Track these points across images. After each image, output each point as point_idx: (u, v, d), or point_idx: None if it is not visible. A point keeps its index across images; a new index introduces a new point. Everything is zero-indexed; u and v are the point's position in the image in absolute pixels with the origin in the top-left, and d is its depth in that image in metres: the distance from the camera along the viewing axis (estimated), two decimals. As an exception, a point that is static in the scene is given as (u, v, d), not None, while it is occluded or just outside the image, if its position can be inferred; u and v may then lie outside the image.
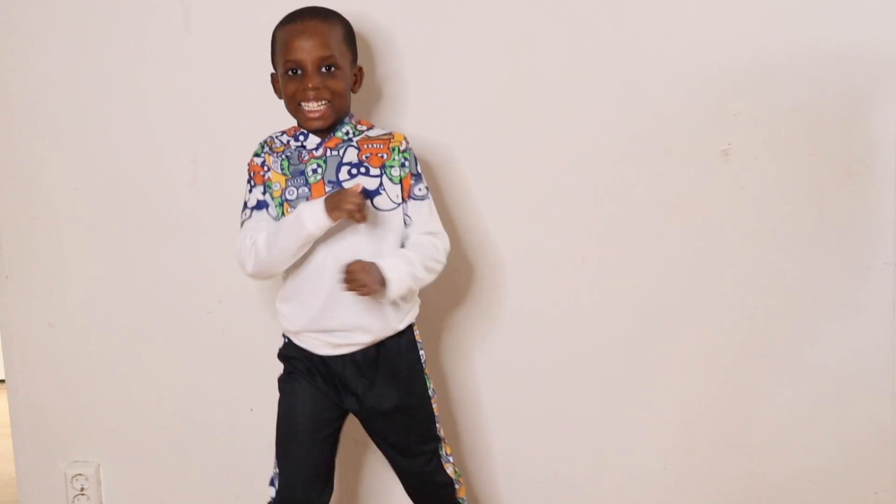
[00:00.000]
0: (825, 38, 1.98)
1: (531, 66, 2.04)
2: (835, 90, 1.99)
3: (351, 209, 1.70)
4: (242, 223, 1.82)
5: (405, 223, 1.84)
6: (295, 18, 1.81)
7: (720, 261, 2.07)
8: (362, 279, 1.72)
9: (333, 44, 1.79)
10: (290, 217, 1.76)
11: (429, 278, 1.83)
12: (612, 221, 2.07)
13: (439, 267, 1.85)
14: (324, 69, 1.78)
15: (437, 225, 1.87)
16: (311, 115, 1.79)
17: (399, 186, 1.83)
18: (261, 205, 1.81)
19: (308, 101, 1.78)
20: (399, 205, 1.83)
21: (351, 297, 1.75)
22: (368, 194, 1.79)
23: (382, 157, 1.82)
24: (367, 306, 1.79)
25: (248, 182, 1.84)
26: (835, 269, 2.05)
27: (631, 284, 2.09)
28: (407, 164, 1.84)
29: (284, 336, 1.88)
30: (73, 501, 2.25)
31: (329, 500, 1.86)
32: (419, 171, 1.86)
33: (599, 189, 2.07)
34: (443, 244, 1.86)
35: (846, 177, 2.02)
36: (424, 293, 2.12)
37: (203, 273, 2.13)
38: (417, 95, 2.06)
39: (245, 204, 1.83)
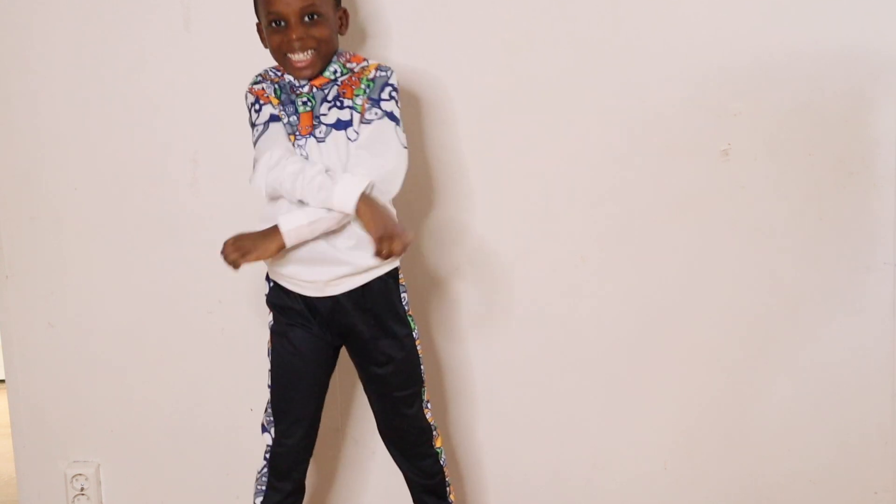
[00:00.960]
0: (825, 38, 1.98)
1: (531, 65, 2.04)
2: (835, 90, 1.99)
3: (397, 250, 1.68)
4: (257, 140, 1.81)
5: (352, 139, 1.82)
6: None
7: (720, 261, 2.07)
8: (232, 251, 1.73)
9: None
10: (332, 189, 1.72)
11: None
12: (612, 221, 2.07)
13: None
14: (307, 18, 1.77)
15: (381, 147, 1.80)
16: (299, 64, 1.79)
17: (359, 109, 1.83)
18: (274, 118, 1.82)
19: (294, 51, 1.78)
20: None
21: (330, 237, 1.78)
22: (341, 125, 1.81)
23: (353, 87, 1.83)
24: (347, 247, 1.79)
25: (255, 104, 1.84)
26: (835, 269, 2.05)
27: (631, 284, 2.09)
28: (369, 90, 1.82)
29: (269, 279, 1.88)
30: (73, 501, 2.25)
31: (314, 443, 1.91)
32: (381, 96, 1.82)
33: (599, 189, 2.07)
34: (377, 162, 1.79)
35: (846, 177, 2.02)
36: (425, 293, 2.12)
37: (203, 273, 2.12)
38: (417, 95, 2.06)
39: (254, 123, 1.83)
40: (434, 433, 1.95)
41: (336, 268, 1.80)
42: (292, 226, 1.74)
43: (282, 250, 1.76)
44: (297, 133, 1.81)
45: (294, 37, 1.77)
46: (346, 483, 2.21)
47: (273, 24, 1.79)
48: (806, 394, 2.09)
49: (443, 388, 2.16)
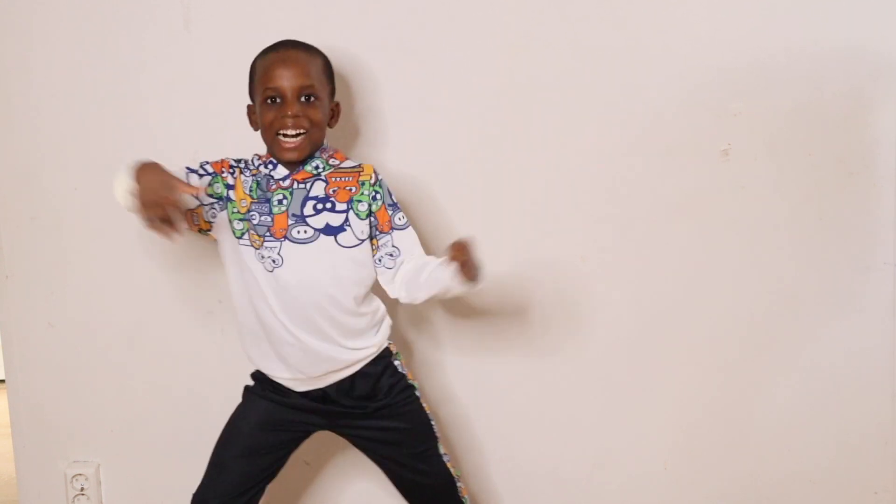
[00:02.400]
0: (825, 38, 1.98)
1: (531, 66, 2.04)
2: (835, 90, 1.99)
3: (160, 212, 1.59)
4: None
5: (393, 255, 1.85)
6: (276, 48, 1.81)
7: (720, 261, 2.07)
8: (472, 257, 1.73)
9: (314, 74, 1.80)
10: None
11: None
12: (612, 221, 2.07)
13: None
14: (303, 98, 1.78)
15: (423, 253, 1.89)
16: (287, 145, 1.78)
17: (367, 222, 1.83)
18: (194, 172, 1.81)
19: (286, 128, 1.77)
20: (362, 241, 1.82)
21: (312, 342, 1.79)
22: (332, 231, 1.79)
23: (350, 190, 1.82)
24: (328, 352, 1.80)
25: (202, 165, 1.83)
26: (835, 269, 2.05)
27: (631, 284, 2.09)
28: (379, 196, 1.84)
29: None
30: (73, 501, 2.25)
31: None
32: (394, 201, 1.86)
33: (599, 189, 2.07)
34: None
35: (846, 177, 2.02)
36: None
37: (203, 273, 2.12)
38: (418, 95, 2.06)
39: (196, 168, 1.82)
40: (458, 484, 1.92)
41: (321, 365, 1.83)
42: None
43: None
44: (269, 235, 1.77)
45: (290, 113, 1.76)
46: (347, 483, 2.21)
47: (269, 101, 1.78)
48: (806, 394, 2.09)
49: (442, 387, 2.16)
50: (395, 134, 2.07)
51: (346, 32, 2.03)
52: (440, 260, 1.79)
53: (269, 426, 1.86)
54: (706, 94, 2.01)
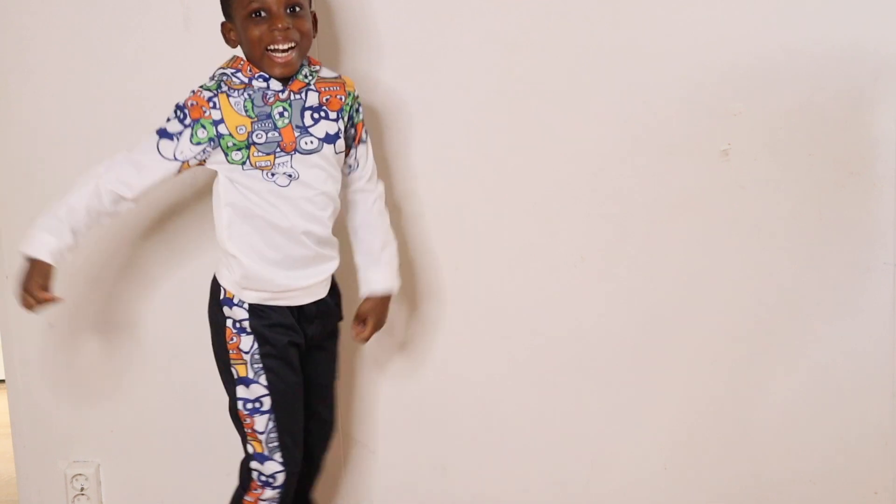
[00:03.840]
0: (825, 38, 1.98)
1: (531, 65, 2.04)
2: (835, 90, 1.99)
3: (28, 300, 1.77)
4: (142, 150, 1.77)
5: (352, 166, 1.86)
6: None
7: (720, 261, 2.07)
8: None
9: None
10: (36, 227, 1.79)
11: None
12: (612, 221, 2.07)
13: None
14: (289, 10, 1.72)
15: (374, 167, 1.91)
16: (279, 60, 1.72)
17: (353, 131, 1.85)
18: (167, 137, 1.75)
19: (277, 42, 1.71)
20: (348, 148, 1.84)
21: (316, 246, 1.79)
22: (331, 139, 1.79)
23: (340, 99, 1.81)
24: (326, 260, 1.83)
25: (178, 112, 1.75)
26: (835, 269, 2.05)
27: (631, 284, 2.09)
28: (360, 109, 1.85)
29: (236, 304, 1.80)
30: (73, 501, 2.25)
31: None
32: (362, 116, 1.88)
33: (599, 189, 2.07)
34: (383, 196, 1.92)
35: (846, 177, 2.02)
36: (424, 292, 2.12)
37: (203, 273, 2.12)
38: (417, 94, 2.06)
39: (171, 137, 1.75)
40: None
41: (327, 264, 1.83)
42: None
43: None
44: (279, 150, 1.75)
45: (280, 26, 1.70)
46: (346, 483, 2.21)
47: (253, 15, 1.72)
48: (806, 394, 2.09)
49: (441, 387, 2.15)
50: (394, 134, 2.07)
51: (345, 32, 2.03)
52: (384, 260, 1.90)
53: (301, 383, 1.85)
54: (706, 94, 2.01)
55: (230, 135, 1.74)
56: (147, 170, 1.78)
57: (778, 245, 2.05)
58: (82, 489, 2.23)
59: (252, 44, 1.73)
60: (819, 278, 2.05)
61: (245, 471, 1.86)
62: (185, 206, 2.12)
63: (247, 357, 1.80)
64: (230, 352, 1.81)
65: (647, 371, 2.12)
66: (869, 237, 2.03)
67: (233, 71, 1.77)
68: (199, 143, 1.75)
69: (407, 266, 2.11)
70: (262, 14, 1.72)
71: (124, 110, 2.11)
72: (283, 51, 1.72)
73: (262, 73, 1.75)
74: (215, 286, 1.84)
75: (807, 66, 1.98)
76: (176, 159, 1.77)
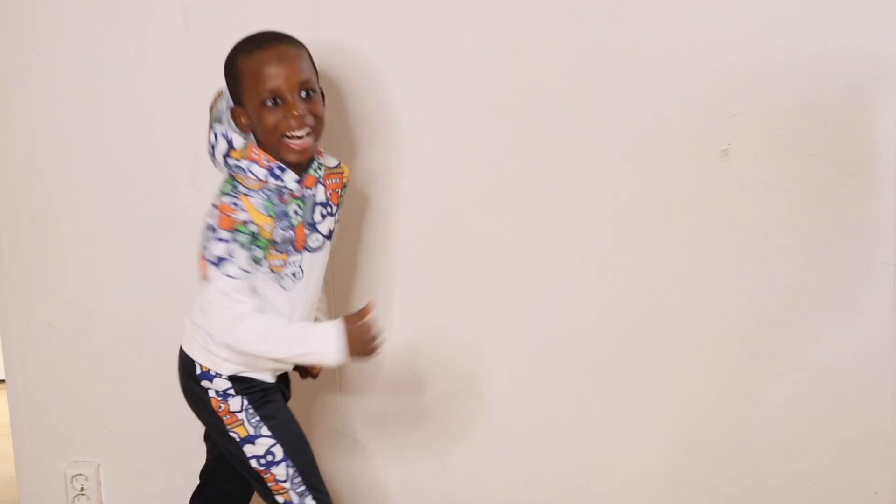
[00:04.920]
0: (825, 38, 1.97)
1: (531, 65, 2.04)
2: (835, 90, 1.99)
3: (372, 351, 1.71)
4: (224, 282, 1.67)
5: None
6: (261, 45, 1.70)
7: (720, 261, 2.07)
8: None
9: (307, 67, 1.71)
10: (305, 337, 1.70)
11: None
12: (612, 221, 2.07)
13: None
14: (303, 94, 1.68)
15: None
16: (296, 146, 1.68)
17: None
18: (245, 268, 1.67)
19: (293, 129, 1.67)
20: None
21: None
22: (331, 235, 1.78)
23: (339, 192, 1.80)
24: None
25: (235, 232, 1.66)
26: (835, 269, 2.05)
27: (631, 284, 2.09)
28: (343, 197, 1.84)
29: (212, 376, 1.76)
30: (73, 501, 2.25)
31: None
32: None
33: (599, 189, 2.07)
34: None
35: (846, 177, 2.02)
36: (423, 292, 2.13)
37: (203, 273, 2.12)
38: (417, 94, 2.06)
39: (226, 258, 1.66)
40: None
41: None
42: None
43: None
44: (291, 249, 1.71)
45: (295, 113, 1.66)
46: (347, 483, 2.21)
47: (268, 103, 1.67)
48: (806, 394, 2.09)
49: (441, 387, 2.15)
50: (394, 134, 2.07)
51: (345, 32, 2.03)
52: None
53: (280, 395, 1.85)
54: (706, 94, 2.01)
55: (260, 232, 1.67)
56: (244, 292, 1.69)
57: (778, 245, 2.05)
58: (82, 489, 2.24)
59: (267, 132, 1.69)
60: (819, 278, 2.05)
61: None
62: (187, 206, 2.12)
63: (242, 416, 1.76)
64: (223, 419, 1.77)
65: (647, 371, 2.12)
66: (869, 237, 2.03)
67: (247, 164, 1.69)
68: (247, 248, 1.68)
69: (406, 266, 2.11)
70: (277, 101, 1.68)
71: (124, 110, 2.11)
72: (300, 137, 1.69)
73: (274, 168, 1.69)
74: (187, 362, 1.79)
75: (807, 66, 1.98)
76: (247, 271, 1.69)
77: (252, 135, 1.74)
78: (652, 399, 2.13)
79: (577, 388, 2.13)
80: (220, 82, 2.07)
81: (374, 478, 2.21)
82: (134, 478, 2.23)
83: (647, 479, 2.15)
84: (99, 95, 2.11)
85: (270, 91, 1.67)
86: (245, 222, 1.67)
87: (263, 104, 1.68)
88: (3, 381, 2.68)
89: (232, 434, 1.77)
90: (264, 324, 1.69)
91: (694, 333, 2.10)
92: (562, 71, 2.03)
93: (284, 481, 1.76)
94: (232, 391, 1.76)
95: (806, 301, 2.07)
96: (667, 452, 2.14)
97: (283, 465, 1.76)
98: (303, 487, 1.77)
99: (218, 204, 1.69)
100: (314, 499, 1.77)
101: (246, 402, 1.77)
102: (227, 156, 1.71)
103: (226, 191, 1.69)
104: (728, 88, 2.00)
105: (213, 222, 1.68)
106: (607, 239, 2.08)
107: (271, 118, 1.68)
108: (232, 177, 1.71)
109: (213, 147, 1.73)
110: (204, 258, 1.69)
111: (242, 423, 1.76)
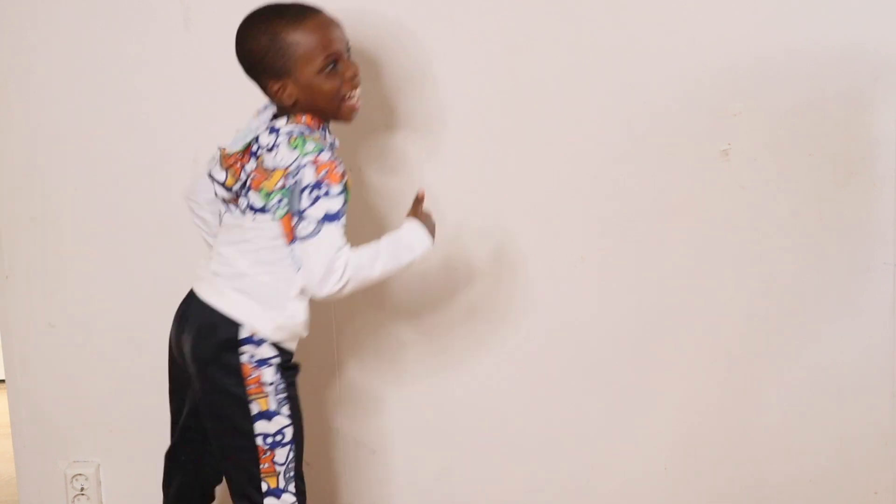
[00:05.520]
0: (825, 38, 1.98)
1: (531, 65, 2.04)
2: (835, 90, 1.99)
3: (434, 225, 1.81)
4: (332, 228, 1.67)
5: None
6: (304, 14, 1.71)
7: (720, 261, 2.07)
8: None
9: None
10: (400, 242, 1.75)
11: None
12: (612, 221, 2.07)
13: None
14: (347, 52, 1.73)
15: None
16: (356, 106, 1.73)
17: None
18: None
19: (352, 89, 1.71)
20: None
21: None
22: None
23: None
24: None
25: (344, 185, 1.67)
26: (835, 269, 2.05)
27: (631, 284, 2.09)
28: None
29: (276, 344, 1.75)
30: (73, 501, 2.25)
31: None
32: None
33: (599, 189, 2.07)
34: None
35: (846, 177, 2.02)
36: (422, 292, 2.13)
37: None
38: (416, 94, 2.06)
39: (340, 213, 1.67)
40: None
41: None
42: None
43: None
44: None
45: (352, 73, 1.71)
46: (347, 483, 2.21)
47: (327, 69, 1.69)
48: (806, 394, 2.09)
49: (442, 387, 2.15)
50: (393, 134, 2.07)
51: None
52: None
53: None
54: (706, 94, 2.01)
55: (348, 183, 1.70)
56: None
57: (778, 245, 2.05)
58: (82, 489, 2.24)
59: (329, 97, 1.71)
60: (819, 278, 2.05)
61: None
62: (186, 206, 2.12)
63: (269, 389, 1.73)
64: (248, 388, 1.73)
65: (647, 371, 2.12)
66: (869, 237, 2.03)
67: (309, 130, 1.72)
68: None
69: (406, 267, 2.10)
70: (336, 65, 1.70)
71: (125, 110, 2.11)
72: (355, 97, 1.73)
73: (324, 126, 1.74)
74: (222, 326, 1.74)
75: (807, 66, 1.98)
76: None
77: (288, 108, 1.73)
78: (652, 399, 2.13)
79: (577, 388, 2.13)
80: (221, 82, 2.08)
81: (374, 478, 2.21)
82: (134, 478, 2.23)
83: (647, 479, 2.15)
84: (99, 95, 2.11)
85: (331, 55, 1.69)
86: (344, 173, 1.68)
87: (321, 71, 1.69)
88: (3, 381, 2.68)
89: (251, 405, 1.73)
90: (367, 252, 1.71)
91: (694, 333, 2.10)
92: (562, 71, 2.03)
93: (281, 464, 1.75)
94: (274, 360, 1.74)
95: (806, 301, 2.07)
96: (667, 452, 2.14)
97: (287, 448, 1.75)
98: (291, 473, 1.76)
99: (323, 160, 1.66)
100: (295, 486, 1.77)
101: (279, 377, 1.74)
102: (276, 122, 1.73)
103: (309, 150, 1.67)
104: (728, 88, 2.00)
105: (319, 178, 1.66)
106: (607, 239, 2.08)
107: (332, 83, 1.70)
108: (299, 138, 1.69)
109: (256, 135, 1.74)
110: (299, 218, 1.67)
111: (267, 397, 1.73)
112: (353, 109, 1.73)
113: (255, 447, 1.75)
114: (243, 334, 1.73)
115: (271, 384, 1.74)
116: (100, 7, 2.09)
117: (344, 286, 1.68)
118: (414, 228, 1.77)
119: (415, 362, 2.15)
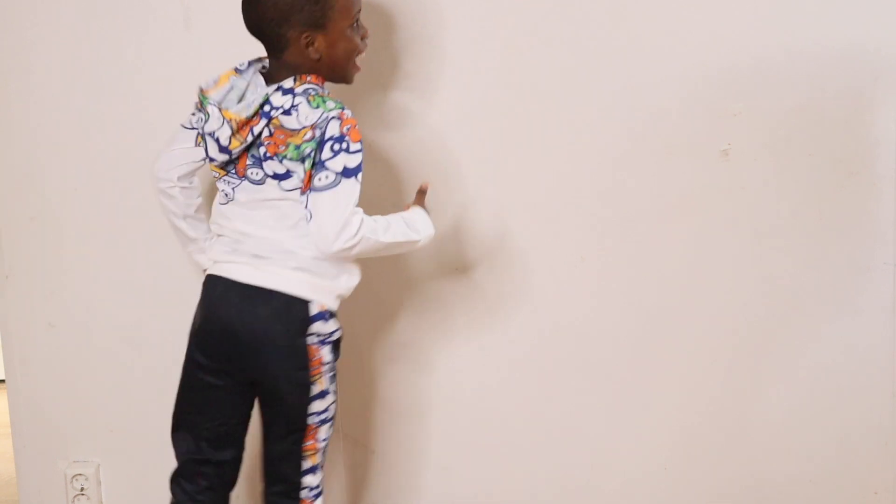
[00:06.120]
0: (825, 38, 1.98)
1: (531, 65, 2.04)
2: (835, 90, 1.99)
3: None
4: (350, 193, 1.66)
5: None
6: None
7: (720, 261, 2.07)
8: None
9: None
10: (408, 221, 1.77)
11: None
12: (612, 221, 2.07)
13: None
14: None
15: None
16: (360, 66, 1.76)
17: None
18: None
19: (362, 50, 1.75)
20: None
21: None
22: None
23: None
24: None
25: (361, 147, 1.67)
26: (835, 269, 2.05)
27: (631, 284, 2.09)
28: None
29: (328, 312, 1.73)
30: (73, 501, 2.25)
31: None
32: None
33: (599, 189, 2.07)
34: None
35: (846, 177, 2.02)
36: (422, 293, 2.12)
37: (204, 273, 2.12)
38: (417, 95, 2.06)
39: (357, 169, 1.66)
40: None
41: None
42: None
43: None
44: None
45: (365, 33, 1.75)
46: (347, 483, 2.21)
47: (355, 25, 1.72)
48: (806, 394, 2.09)
49: (442, 387, 2.15)
50: (393, 133, 2.07)
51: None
52: None
53: None
54: (706, 94, 2.01)
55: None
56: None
57: (778, 245, 2.05)
58: (82, 489, 2.24)
59: (348, 53, 1.72)
60: (819, 278, 2.05)
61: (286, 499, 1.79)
62: (185, 206, 2.12)
63: (325, 368, 1.74)
64: (311, 369, 1.73)
65: (647, 371, 2.12)
66: (869, 237, 2.03)
67: (321, 88, 1.72)
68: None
69: (406, 267, 2.11)
70: (358, 24, 1.73)
71: (124, 110, 2.11)
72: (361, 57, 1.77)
73: (323, 85, 1.73)
74: (290, 308, 1.71)
75: (807, 66, 1.98)
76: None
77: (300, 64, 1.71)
78: (652, 399, 2.13)
79: (577, 387, 2.13)
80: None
81: (374, 478, 2.21)
82: (134, 478, 2.23)
83: (647, 479, 2.15)
84: (99, 95, 2.11)
85: (357, 13, 1.72)
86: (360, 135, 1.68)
87: (352, 26, 1.71)
88: (3, 381, 2.68)
89: (313, 386, 1.73)
90: (379, 219, 1.72)
91: (694, 333, 2.10)
92: (562, 71, 2.03)
93: (324, 440, 1.77)
94: (336, 335, 1.74)
95: (806, 301, 2.07)
96: (666, 452, 2.14)
97: (329, 424, 1.77)
98: (325, 447, 1.78)
99: (341, 115, 1.65)
100: (320, 463, 1.78)
101: (332, 356, 1.75)
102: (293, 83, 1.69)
103: (332, 107, 1.66)
104: (728, 88, 2.00)
105: (342, 133, 1.65)
106: (607, 239, 2.08)
107: (355, 40, 1.73)
108: (317, 97, 1.67)
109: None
110: (318, 168, 1.65)
111: (322, 376, 1.74)
112: (356, 69, 1.75)
113: (306, 426, 1.75)
114: (314, 310, 1.71)
115: (328, 363, 1.74)
116: (100, 7, 2.09)
117: (356, 244, 1.66)
118: (421, 213, 1.81)
119: (414, 362, 2.15)
